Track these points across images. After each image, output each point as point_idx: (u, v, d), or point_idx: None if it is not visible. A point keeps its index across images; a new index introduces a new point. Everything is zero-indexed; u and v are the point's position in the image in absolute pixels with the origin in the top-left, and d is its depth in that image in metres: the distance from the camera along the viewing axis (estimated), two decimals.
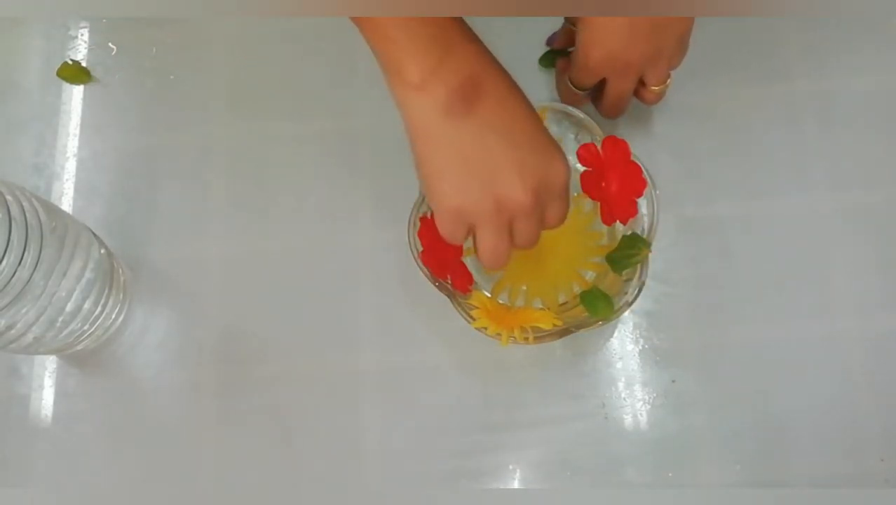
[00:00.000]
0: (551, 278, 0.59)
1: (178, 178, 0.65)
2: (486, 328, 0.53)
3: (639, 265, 0.54)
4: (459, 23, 0.46)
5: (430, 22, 0.45)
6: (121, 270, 0.61)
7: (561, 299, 0.59)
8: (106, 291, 0.58)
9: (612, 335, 0.60)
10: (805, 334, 0.60)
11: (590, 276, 0.59)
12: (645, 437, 0.58)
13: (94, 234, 0.58)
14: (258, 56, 0.69)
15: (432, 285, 0.55)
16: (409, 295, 0.61)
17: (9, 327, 0.52)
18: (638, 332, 0.60)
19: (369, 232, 0.63)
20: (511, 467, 0.58)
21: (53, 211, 0.53)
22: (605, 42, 0.54)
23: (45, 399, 0.61)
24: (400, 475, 0.58)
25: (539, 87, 0.65)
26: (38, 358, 0.62)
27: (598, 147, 0.55)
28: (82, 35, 0.70)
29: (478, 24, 0.47)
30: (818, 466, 0.57)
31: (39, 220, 0.51)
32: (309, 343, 0.61)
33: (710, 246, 0.62)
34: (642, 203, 0.56)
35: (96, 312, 0.58)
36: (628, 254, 0.55)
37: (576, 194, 0.55)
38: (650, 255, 0.54)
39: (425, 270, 0.54)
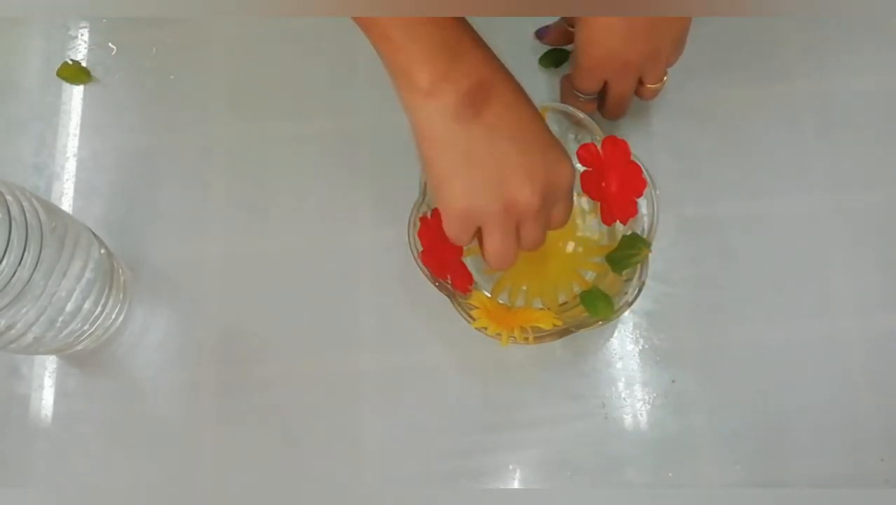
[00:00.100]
0: (551, 278, 0.59)
1: (178, 178, 0.65)
2: (486, 328, 0.53)
3: (639, 265, 0.55)
4: (467, 28, 0.47)
5: (439, 28, 0.45)
6: (121, 270, 0.61)
7: (561, 299, 0.59)
8: (106, 291, 0.58)
9: (612, 335, 0.60)
10: (805, 334, 0.60)
11: (590, 276, 0.59)
12: (645, 437, 0.58)
13: (94, 234, 0.58)
14: (258, 56, 0.69)
15: (432, 285, 0.55)
16: (409, 295, 0.61)
17: (9, 327, 0.52)
18: (638, 332, 0.60)
19: (369, 232, 0.63)
20: (511, 467, 0.58)
21: (53, 211, 0.53)
22: (603, 41, 0.54)
23: (45, 399, 0.61)
24: (400, 475, 0.58)
25: (539, 87, 0.65)
26: (38, 358, 0.62)
27: (598, 147, 0.55)
28: (82, 35, 0.70)
29: (478, 24, 0.47)
30: (818, 466, 0.57)
31: (39, 220, 0.51)
32: (309, 343, 0.61)
33: (710, 246, 0.62)
34: (642, 203, 0.56)
35: (96, 312, 0.58)
36: (628, 254, 0.55)
37: (576, 194, 0.55)
38: (650, 255, 0.54)
39: (425, 269, 0.54)
